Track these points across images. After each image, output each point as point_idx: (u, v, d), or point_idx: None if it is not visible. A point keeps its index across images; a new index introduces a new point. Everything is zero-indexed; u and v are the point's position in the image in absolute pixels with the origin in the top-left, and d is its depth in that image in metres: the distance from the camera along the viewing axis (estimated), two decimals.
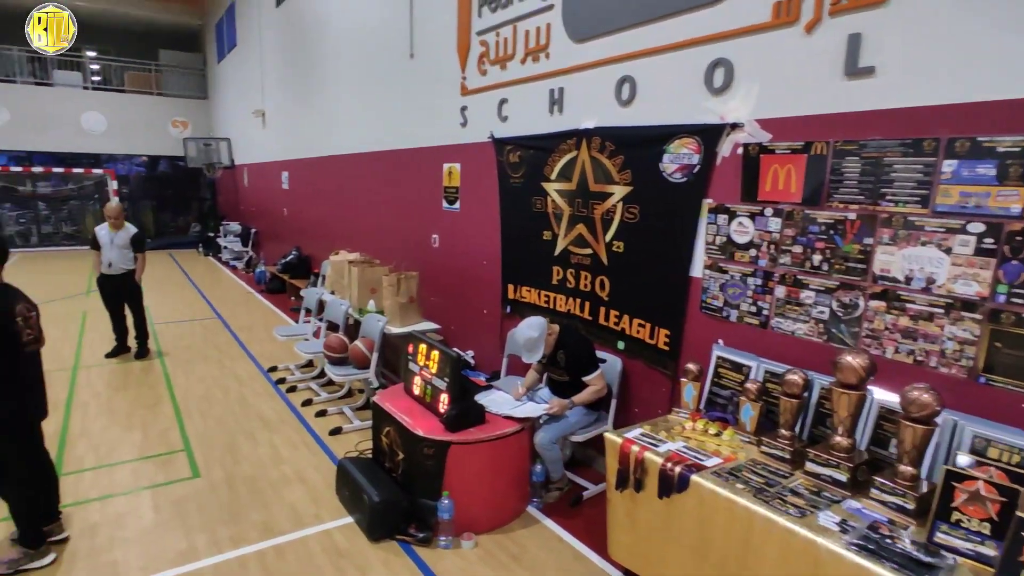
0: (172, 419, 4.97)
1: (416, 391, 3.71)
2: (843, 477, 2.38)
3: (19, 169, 15.35)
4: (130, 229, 6.31)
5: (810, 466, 2.49)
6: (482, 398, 3.69)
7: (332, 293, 6.08)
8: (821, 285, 2.80)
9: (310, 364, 6.24)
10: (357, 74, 7.43)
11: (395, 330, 4.87)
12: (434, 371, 3.54)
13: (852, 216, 2.65)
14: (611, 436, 2.94)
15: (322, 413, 5.06)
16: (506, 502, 3.58)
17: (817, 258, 2.80)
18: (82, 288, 10.54)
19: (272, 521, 3.53)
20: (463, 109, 5.26)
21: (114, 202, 6.41)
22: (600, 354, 3.82)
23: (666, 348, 3.61)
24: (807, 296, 2.86)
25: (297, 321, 6.80)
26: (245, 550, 3.26)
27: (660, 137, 3.48)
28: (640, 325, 3.78)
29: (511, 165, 4.70)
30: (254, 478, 4.03)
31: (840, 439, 2.44)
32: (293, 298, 9.49)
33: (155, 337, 7.25)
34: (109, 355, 6.57)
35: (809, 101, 2.79)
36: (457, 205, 5.48)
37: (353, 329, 5.51)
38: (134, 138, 16.47)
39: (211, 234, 15.52)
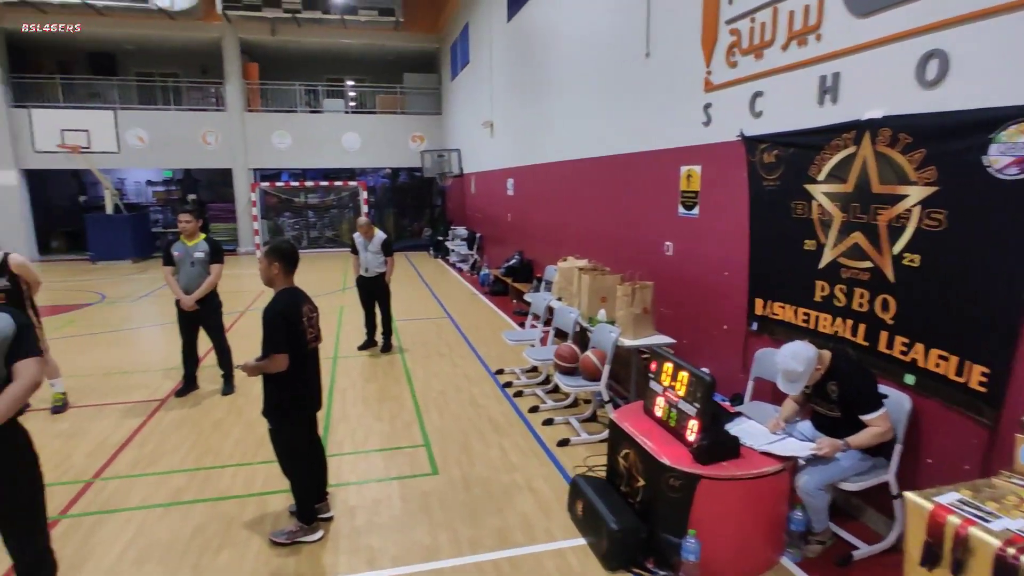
0: (413, 413, 5.32)
1: (659, 413, 3.42)
2: None
3: (296, 184, 18.43)
4: (379, 236, 7.00)
5: None
6: (733, 428, 3.28)
7: (559, 299, 6.06)
8: None
9: (535, 369, 6.29)
10: (587, 79, 7.37)
11: (628, 342, 4.64)
12: (681, 393, 3.22)
13: None
14: (916, 499, 2.36)
15: (549, 422, 5.03)
16: (758, 550, 3.13)
17: None
18: (338, 285, 12.10)
19: (506, 529, 3.52)
20: (706, 107, 4.84)
21: (363, 219, 7.20)
22: (879, 388, 3.18)
23: (982, 389, 2.86)
24: None
25: (523, 325, 6.93)
26: (483, 556, 3.27)
27: (985, 123, 2.75)
28: (941, 357, 3.05)
29: (765, 166, 4.18)
30: (487, 481, 4.09)
31: None
32: (515, 301, 9.81)
33: (396, 334, 7.96)
34: (361, 347, 7.36)
35: None
36: (696, 211, 5.07)
37: (580, 337, 5.41)
38: (381, 153, 18.78)
39: (440, 238, 16.93)
